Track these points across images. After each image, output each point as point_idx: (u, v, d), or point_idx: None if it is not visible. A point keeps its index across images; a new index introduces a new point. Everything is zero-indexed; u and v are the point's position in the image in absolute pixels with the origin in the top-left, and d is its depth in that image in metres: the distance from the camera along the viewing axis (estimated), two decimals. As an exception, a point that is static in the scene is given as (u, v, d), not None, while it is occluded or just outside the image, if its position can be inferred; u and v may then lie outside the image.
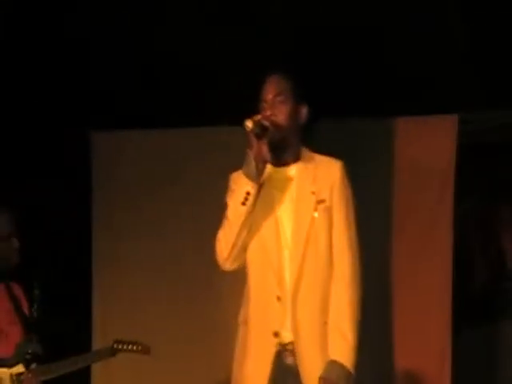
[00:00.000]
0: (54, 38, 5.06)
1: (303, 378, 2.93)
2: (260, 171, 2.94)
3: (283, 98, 3.02)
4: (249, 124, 2.91)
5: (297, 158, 3.07)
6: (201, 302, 4.79)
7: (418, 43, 4.86)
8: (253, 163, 2.94)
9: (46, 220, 4.91)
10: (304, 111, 3.08)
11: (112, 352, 4.01)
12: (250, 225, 3.00)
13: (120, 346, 4.01)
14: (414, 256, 4.75)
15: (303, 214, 3.04)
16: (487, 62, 4.82)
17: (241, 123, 3.11)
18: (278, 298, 2.97)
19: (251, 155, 2.93)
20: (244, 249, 3.03)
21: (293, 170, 3.09)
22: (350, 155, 3.61)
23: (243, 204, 2.93)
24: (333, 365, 2.89)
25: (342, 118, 4.99)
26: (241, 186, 2.96)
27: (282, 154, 3.07)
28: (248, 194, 2.93)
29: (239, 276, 3.28)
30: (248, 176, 2.92)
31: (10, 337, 3.87)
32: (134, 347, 3.97)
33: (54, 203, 4.97)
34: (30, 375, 3.79)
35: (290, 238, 3.04)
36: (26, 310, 3.95)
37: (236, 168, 3.17)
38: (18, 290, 3.92)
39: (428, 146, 4.76)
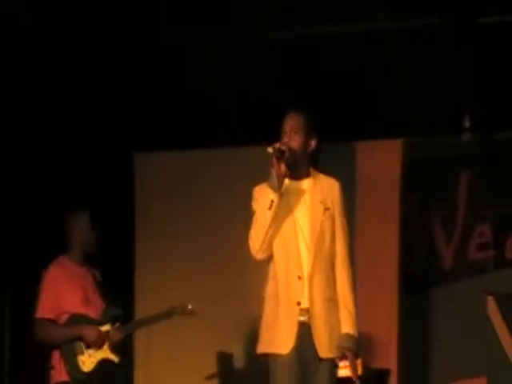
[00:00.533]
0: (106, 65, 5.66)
1: (314, 330, 3.64)
2: (280, 184, 3.61)
3: (297, 131, 3.72)
4: (270, 150, 3.61)
5: (308, 175, 3.78)
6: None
7: (373, 80, 5.81)
8: (275, 178, 3.60)
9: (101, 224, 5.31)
10: (313, 142, 3.78)
11: (169, 314, 4.97)
12: (275, 225, 3.66)
13: (175, 310, 4.96)
14: (371, 243, 5.92)
15: (316, 217, 3.75)
16: (426, 96, 5.81)
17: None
18: (299, 278, 3.67)
19: (274, 172, 3.61)
20: (270, 243, 3.70)
21: (305, 183, 3.78)
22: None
23: (269, 209, 3.63)
24: (348, 337, 3.64)
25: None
26: (266, 195, 3.64)
27: (297, 172, 3.75)
28: (272, 201, 3.62)
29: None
30: (272, 188, 3.62)
31: (95, 304, 4.85)
32: (184, 310, 4.96)
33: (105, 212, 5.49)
34: (115, 331, 4.74)
35: (308, 235, 3.75)
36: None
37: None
38: (94, 271, 4.94)
39: (380, 163, 5.94)
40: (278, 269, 3.74)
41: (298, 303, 3.66)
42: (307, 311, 3.67)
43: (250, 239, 3.70)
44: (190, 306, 5.01)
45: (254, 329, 4.24)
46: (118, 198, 5.88)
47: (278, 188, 3.60)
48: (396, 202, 5.98)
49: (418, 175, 6.15)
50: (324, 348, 3.67)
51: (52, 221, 5.35)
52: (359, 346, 3.82)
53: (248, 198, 3.99)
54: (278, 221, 3.69)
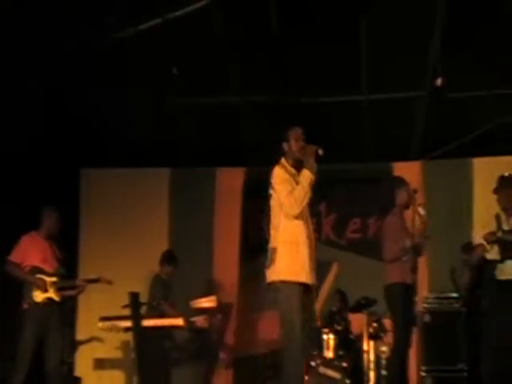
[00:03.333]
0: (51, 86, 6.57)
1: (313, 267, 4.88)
2: (315, 172, 4.90)
3: (299, 140, 5.02)
4: (320, 151, 4.93)
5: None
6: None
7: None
8: (314, 167, 4.92)
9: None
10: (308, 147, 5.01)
11: (95, 280, 6.75)
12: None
13: (100, 278, 6.78)
14: (224, 233, 8.17)
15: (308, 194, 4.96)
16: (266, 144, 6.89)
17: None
18: (307, 236, 4.97)
19: (311, 164, 4.91)
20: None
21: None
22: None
23: (309, 185, 4.92)
24: None
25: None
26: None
27: (300, 165, 5.00)
28: (310, 179, 4.92)
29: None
30: (312, 171, 4.93)
31: (51, 263, 6.61)
32: (104, 279, 6.80)
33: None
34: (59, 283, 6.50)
35: (306, 207, 4.95)
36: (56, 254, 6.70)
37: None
38: (54, 246, 6.74)
39: (230, 182, 8.16)
40: (298, 225, 5.01)
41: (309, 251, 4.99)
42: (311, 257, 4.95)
43: (295, 202, 4.91)
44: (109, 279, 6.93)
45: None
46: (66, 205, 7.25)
47: (315, 173, 5.01)
48: (239, 206, 8.40)
49: (255, 191, 7.96)
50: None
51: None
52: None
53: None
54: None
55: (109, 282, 6.98)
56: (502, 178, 6.56)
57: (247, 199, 8.38)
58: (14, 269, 6.67)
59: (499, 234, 6.35)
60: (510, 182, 6.53)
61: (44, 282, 6.66)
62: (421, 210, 6.59)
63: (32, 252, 6.74)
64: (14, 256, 6.72)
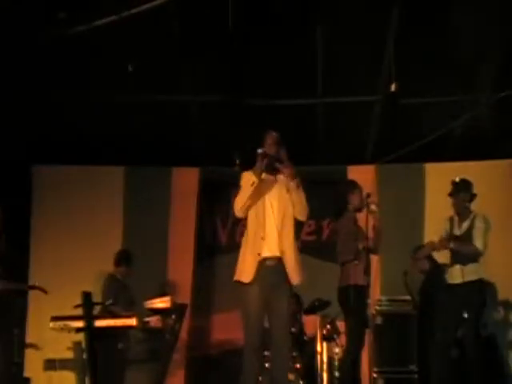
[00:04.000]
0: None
1: (288, 270, 4.99)
2: (261, 173, 5.01)
3: (274, 145, 5.11)
4: (259, 150, 5.03)
5: (278, 171, 5.16)
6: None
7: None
8: (258, 170, 5.03)
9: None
10: (283, 151, 5.14)
11: (32, 288, 6.84)
12: (253, 201, 4.96)
13: (35, 286, 6.76)
14: (180, 232, 8.23)
15: (283, 197, 5.10)
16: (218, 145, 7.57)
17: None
18: (262, 238, 5.02)
19: (258, 165, 5.03)
20: (247, 209, 5.03)
21: (276, 177, 5.18)
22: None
23: (251, 185, 5.02)
24: None
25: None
26: (249, 179, 5.02)
27: (272, 169, 5.12)
28: (253, 182, 5.02)
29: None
30: (255, 174, 5.05)
31: None
32: (39, 288, 6.70)
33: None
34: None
35: (276, 208, 5.06)
36: None
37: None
38: None
39: (186, 181, 8.20)
40: (249, 230, 5.17)
41: (259, 254, 5.08)
42: (273, 258, 5.02)
43: (235, 204, 5.16)
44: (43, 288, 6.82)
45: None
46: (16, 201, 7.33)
47: (259, 175, 5.13)
48: (194, 206, 8.40)
49: (209, 190, 8.38)
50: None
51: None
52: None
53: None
54: (254, 198, 5.07)
55: (44, 291, 6.94)
56: (455, 184, 6.68)
57: (203, 199, 8.49)
58: None
59: (451, 245, 6.50)
60: (463, 187, 6.66)
61: None
62: (373, 207, 6.67)
63: None
64: None
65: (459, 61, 6.95)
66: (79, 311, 6.21)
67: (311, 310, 7.58)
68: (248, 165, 7.04)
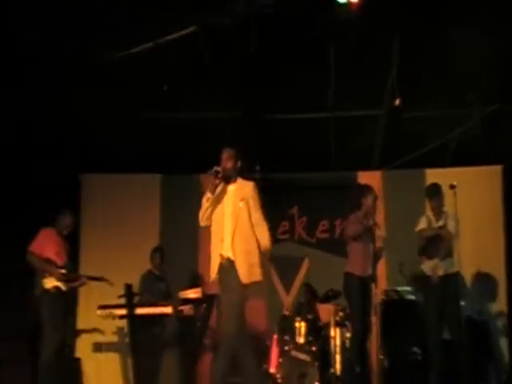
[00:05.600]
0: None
1: (239, 270, 5.23)
2: (214, 189, 5.37)
3: (230, 158, 5.44)
4: (212, 170, 5.33)
5: (235, 181, 5.50)
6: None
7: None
8: (212, 186, 5.40)
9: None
10: (239, 163, 5.50)
11: (99, 279, 7.45)
12: (213, 210, 5.30)
13: (103, 278, 7.43)
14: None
15: (236, 205, 5.39)
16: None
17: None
18: (221, 240, 5.41)
19: (212, 183, 5.38)
20: (207, 219, 5.45)
21: (233, 186, 5.52)
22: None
23: (207, 201, 5.44)
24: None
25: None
26: (206, 194, 5.41)
27: (229, 180, 5.46)
28: (208, 198, 5.44)
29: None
30: (209, 191, 5.43)
31: (62, 257, 7.30)
32: (106, 280, 7.45)
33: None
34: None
35: (229, 216, 5.38)
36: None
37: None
38: (67, 243, 7.41)
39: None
40: (212, 235, 5.61)
41: (221, 254, 5.44)
42: (228, 258, 5.32)
43: (199, 216, 5.58)
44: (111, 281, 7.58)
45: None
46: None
47: (213, 191, 5.50)
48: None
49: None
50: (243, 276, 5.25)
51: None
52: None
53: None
54: (213, 207, 5.49)
55: (110, 283, 7.65)
56: (429, 187, 7.45)
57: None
58: (34, 258, 7.22)
59: (429, 233, 7.17)
60: (435, 190, 7.37)
61: (57, 272, 7.28)
62: (378, 232, 7.29)
63: (49, 244, 7.31)
64: (34, 246, 7.28)
65: (454, 80, 7.53)
66: (122, 301, 7.68)
67: (325, 300, 7.99)
68: (266, 170, 8.27)
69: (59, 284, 7.31)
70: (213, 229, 5.58)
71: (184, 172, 8.80)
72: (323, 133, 8.52)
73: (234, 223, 5.48)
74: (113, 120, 7.83)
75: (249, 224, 5.48)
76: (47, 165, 8.12)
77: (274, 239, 7.19)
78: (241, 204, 5.52)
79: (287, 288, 9.10)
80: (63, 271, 7.40)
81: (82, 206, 8.95)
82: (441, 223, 7.28)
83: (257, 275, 5.52)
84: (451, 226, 7.18)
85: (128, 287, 7.61)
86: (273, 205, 7.40)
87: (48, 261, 7.26)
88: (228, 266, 5.43)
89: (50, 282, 7.27)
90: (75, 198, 8.94)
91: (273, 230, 7.48)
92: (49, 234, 7.39)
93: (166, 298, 7.98)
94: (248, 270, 5.42)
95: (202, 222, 5.60)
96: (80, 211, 8.80)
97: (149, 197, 8.88)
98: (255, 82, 7.37)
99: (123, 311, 7.50)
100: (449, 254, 7.13)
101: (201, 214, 5.55)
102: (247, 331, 5.54)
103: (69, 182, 8.75)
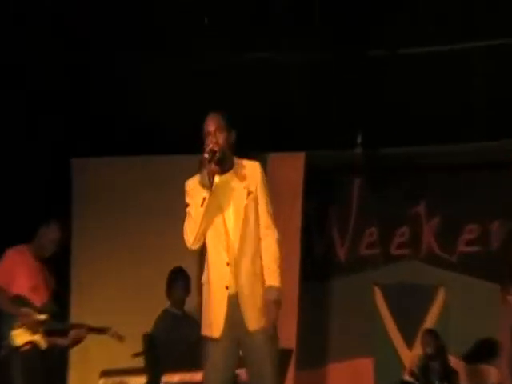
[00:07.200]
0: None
1: (243, 307, 4.04)
2: (212, 182, 4.00)
3: (220, 129, 4.10)
4: (206, 155, 3.97)
5: (232, 166, 4.16)
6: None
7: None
8: (207, 177, 3.98)
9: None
10: (233, 135, 4.19)
11: (101, 331, 5.91)
12: (206, 218, 4.04)
13: (108, 331, 5.89)
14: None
15: (240, 204, 4.18)
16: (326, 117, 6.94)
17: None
18: (227, 264, 4.11)
19: (205, 172, 3.98)
20: (203, 235, 4.12)
21: (230, 175, 4.17)
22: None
23: (201, 206, 4.02)
24: (269, 288, 4.08)
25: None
26: (198, 192, 4.00)
27: (224, 165, 4.09)
28: (204, 198, 4.00)
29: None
30: (204, 186, 3.99)
31: (42, 294, 5.74)
32: (114, 334, 5.95)
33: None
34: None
35: (233, 222, 4.18)
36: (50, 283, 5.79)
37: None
38: (48, 271, 5.81)
39: (286, 171, 6.98)
40: (210, 257, 4.23)
41: (227, 287, 4.13)
42: (235, 295, 4.12)
43: (184, 233, 4.16)
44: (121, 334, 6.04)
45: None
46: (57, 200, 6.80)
47: (210, 186, 4.03)
48: (299, 205, 7.09)
49: (317, 183, 7.23)
50: (252, 322, 4.09)
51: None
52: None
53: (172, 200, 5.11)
54: (208, 213, 4.09)
55: (120, 339, 6.13)
56: None
57: (310, 195, 7.34)
58: None
59: None
60: None
61: (33, 320, 5.78)
62: None
63: (20, 274, 5.90)
64: None
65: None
66: (140, 362, 6.27)
67: (476, 358, 6.96)
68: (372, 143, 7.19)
69: (36, 338, 5.78)
70: (210, 245, 4.22)
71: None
72: (463, 79, 6.95)
73: (238, 232, 4.19)
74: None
75: (256, 234, 4.25)
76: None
77: (386, 256, 7.07)
78: (246, 201, 4.21)
79: (409, 337, 7.46)
80: (42, 317, 5.82)
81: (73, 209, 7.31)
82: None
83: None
84: None
85: (149, 340, 6.26)
86: (382, 200, 7.08)
87: (19, 300, 5.84)
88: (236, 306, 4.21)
89: (21, 335, 5.79)
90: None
91: (385, 241, 7.25)
92: (19, 257, 5.96)
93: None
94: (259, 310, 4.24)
95: (194, 244, 4.17)
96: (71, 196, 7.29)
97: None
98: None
99: (142, 379, 6.18)
100: None
101: (188, 230, 4.14)
102: None
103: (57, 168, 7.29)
